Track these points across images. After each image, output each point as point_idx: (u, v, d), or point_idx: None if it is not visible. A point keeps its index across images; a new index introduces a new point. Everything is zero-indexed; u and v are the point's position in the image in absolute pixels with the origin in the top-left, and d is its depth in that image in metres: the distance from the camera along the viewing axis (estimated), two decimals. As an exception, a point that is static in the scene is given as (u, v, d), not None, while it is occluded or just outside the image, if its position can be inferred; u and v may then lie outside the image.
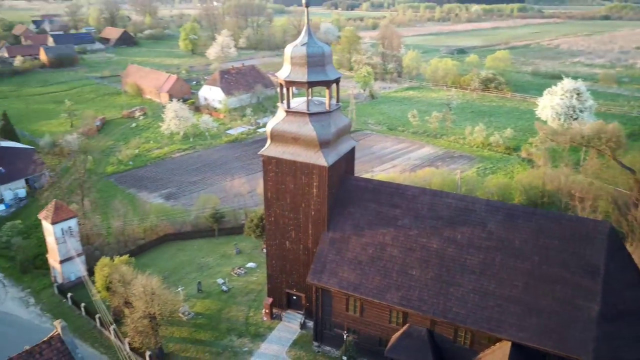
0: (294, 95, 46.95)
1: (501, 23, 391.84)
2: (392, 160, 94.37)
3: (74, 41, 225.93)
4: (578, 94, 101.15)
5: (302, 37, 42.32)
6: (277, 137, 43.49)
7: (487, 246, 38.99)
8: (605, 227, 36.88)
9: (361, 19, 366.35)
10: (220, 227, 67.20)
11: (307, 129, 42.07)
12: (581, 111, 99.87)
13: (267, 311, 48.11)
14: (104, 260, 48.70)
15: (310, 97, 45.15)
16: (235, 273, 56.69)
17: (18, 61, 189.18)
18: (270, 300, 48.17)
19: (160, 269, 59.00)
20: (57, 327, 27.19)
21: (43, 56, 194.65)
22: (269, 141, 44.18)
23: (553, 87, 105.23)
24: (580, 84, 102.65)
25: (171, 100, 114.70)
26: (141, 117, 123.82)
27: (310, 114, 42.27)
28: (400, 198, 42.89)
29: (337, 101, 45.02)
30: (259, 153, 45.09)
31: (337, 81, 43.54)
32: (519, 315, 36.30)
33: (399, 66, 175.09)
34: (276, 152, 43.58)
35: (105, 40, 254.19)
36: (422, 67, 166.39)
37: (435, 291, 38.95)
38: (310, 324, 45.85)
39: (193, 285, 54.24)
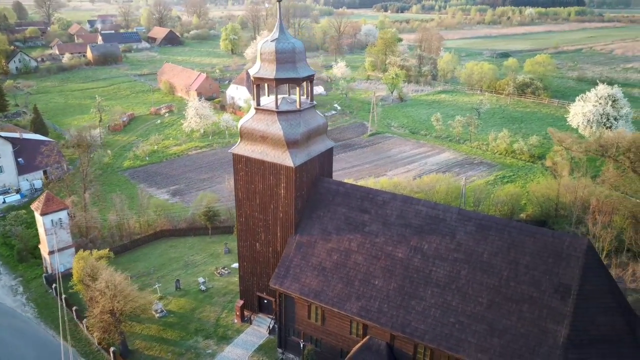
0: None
1: (555, 27, 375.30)
2: (407, 165, 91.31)
3: (121, 40, 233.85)
4: (614, 101, 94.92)
5: (273, 33, 41.12)
6: (247, 135, 42.34)
7: (454, 258, 36.37)
8: (583, 243, 33.57)
9: (407, 22, 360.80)
10: (215, 226, 66.76)
11: (274, 127, 40.72)
12: (616, 119, 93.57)
13: (238, 314, 46.98)
14: (81, 253, 48.79)
15: (285, 95, 44.02)
16: (219, 273, 55.86)
17: (66, 58, 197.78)
18: (242, 302, 47.04)
19: (148, 265, 59.29)
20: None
21: (89, 54, 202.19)
22: (239, 139, 43.10)
23: (587, 93, 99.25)
24: (616, 91, 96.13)
25: (200, 99, 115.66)
26: (167, 115, 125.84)
27: (279, 112, 40.85)
28: (371, 203, 40.78)
29: (311, 100, 43.37)
30: (229, 151, 44.08)
31: (309, 79, 41.96)
32: (480, 335, 33.59)
33: (434, 69, 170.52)
34: (245, 150, 42.40)
35: (152, 40, 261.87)
36: (457, 70, 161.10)
37: (396, 303, 36.67)
38: (278, 329, 44.37)
39: (174, 282, 53.77)
